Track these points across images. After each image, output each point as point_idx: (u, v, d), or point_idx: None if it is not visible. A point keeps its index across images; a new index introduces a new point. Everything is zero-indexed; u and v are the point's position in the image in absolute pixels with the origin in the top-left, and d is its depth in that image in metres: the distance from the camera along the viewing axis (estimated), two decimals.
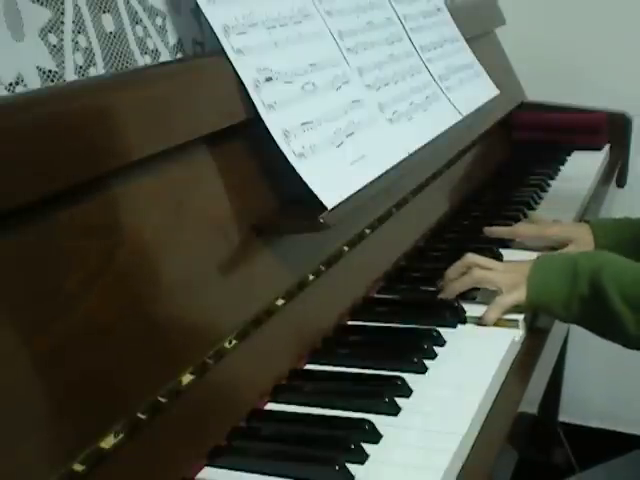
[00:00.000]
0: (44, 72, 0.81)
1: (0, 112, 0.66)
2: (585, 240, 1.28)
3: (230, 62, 0.91)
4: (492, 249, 1.26)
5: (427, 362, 0.94)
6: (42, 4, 0.81)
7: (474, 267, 1.10)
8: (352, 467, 0.75)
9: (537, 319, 1.09)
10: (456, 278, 1.11)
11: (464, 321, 1.06)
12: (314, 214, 0.92)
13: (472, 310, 1.08)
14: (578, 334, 2.08)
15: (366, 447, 0.77)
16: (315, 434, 0.81)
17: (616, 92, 2.01)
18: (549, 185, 1.67)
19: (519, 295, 1.05)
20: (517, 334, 1.01)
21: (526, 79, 2.03)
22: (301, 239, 0.98)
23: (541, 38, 2.11)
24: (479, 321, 1.05)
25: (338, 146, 1.02)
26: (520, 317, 1.04)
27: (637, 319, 0.98)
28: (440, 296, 1.11)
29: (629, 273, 1.01)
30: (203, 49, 1.06)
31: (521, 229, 1.33)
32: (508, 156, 1.85)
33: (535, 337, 1.06)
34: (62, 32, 0.84)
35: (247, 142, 0.94)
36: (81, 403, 0.67)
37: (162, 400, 0.73)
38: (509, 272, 1.08)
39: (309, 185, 0.93)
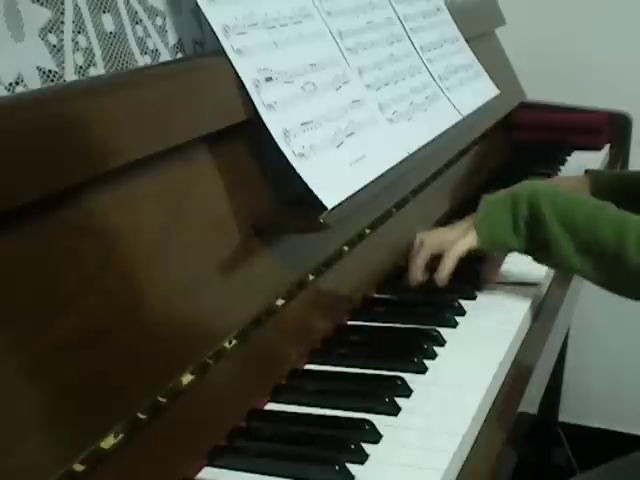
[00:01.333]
0: (44, 72, 0.81)
1: (0, 112, 0.66)
2: (578, 188, 1.35)
3: (230, 62, 0.91)
4: None
5: (427, 362, 0.94)
6: (42, 4, 0.81)
7: (424, 239, 1.12)
8: (352, 467, 0.75)
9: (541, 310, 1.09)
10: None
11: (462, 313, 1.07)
12: (314, 214, 0.92)
13: (472, 309, 1.08)
14: (578, 334, 2.10)
15: (366, 447, 0.77)
16: (315, 434, 0.81)
17: (616, 92, 2.01)
18: None
19: (470, 240, 1.08)
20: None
21: (526, 79, 2.03)
22: (301, 239, 0.98)
23: (541, 38, 2.11)
24: (435, 278, 1.09)
25: (338, 146, 1.02)
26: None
27: (569, 239, 1.02)
28: (409, 280, 1.12)
29: (561, 196, 1.06)
30: (203, 49, 1.06)
31: None
32: (508, 156, 1.85)
33: (535, 337, 1.06)
34: (62, 32, 0.84)
35: (247, 142, 0.94)
36: (81, 403, 0.67)
37: (162, 400, 0.73)
38: (455, 228, 1.12)
39: (309, 185, 0.93)
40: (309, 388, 0.90)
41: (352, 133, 1.06)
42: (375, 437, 0.80)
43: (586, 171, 1.44)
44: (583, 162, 1.82)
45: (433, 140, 1.25)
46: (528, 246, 1.07)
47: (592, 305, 1.80)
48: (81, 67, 0.86)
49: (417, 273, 1.12)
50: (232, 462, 0.78)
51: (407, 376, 0.90)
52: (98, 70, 0.88)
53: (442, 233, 1.13)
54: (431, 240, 1.12)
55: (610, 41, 2.06)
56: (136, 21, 0.94)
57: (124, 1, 0.93)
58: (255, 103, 0.91)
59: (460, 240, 1.09)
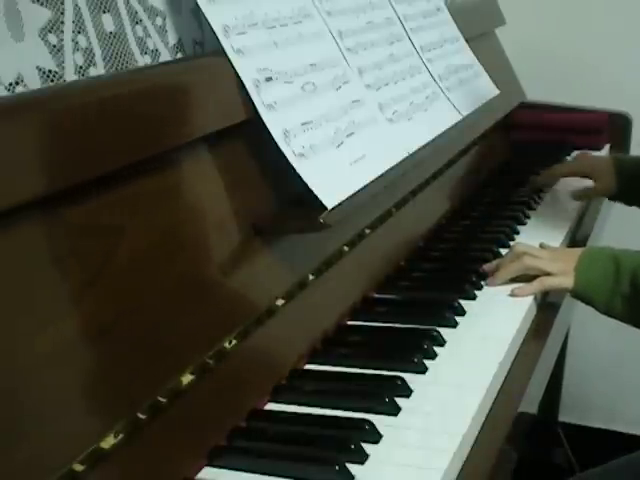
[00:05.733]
0: (44, 72, 0.81)
1: (0, 112, 0.66)
2: (605, 173, 1.47)
3: (230, 62, 0.91)
4: (492, 249, 1.27)
5: (427, 362, 0.94)
6: (42, 4, 0.81)
7: (523, 255, 1.13)
8: (352, 467, 0.75)
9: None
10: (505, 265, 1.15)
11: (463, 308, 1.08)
12: (314, 214, 0.92)
13: (472, 309, 1.08)
14: (578, 334, 2.10)
15: (366, 447, 0.77)
16: (315, 434, 0.81)
17: (616, 92, 2.01)
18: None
19: (567, 281, 1.10)
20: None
21: (526, 79, 2.03)
22: (301, 239, 0.98)
23: (541, 38, 2.11)
24: (518, 290, 1.11)
25: (338, 146, 1.02)
26: None
27: None
28: (490, 283, 1.15)
29: None
30: (203, 49, 1.06)
31: (557, 170, 1.61)
32: (508, 156, 1.85)
33: (535, 336, 1.06)
34: (62, 32, 0.84)
35: (247, 142, 0.94)
36: (81, 403, 0.67)
37: (162, 400, 0.73)
38: (557, 260, 1.13)
39: (309, 185, 0.93)
40: (309, 388, 0.90)
41: (352, 133, 1.06)
42: (375, 437, 0.80)
43: (610, 157, 1.52)
44: None
45: (433, 140, 1.25)
46: (617, 317, 1.11)
47: None
48: (81, 67, 0.86)
49: (500, 282, 1.14)
50: (232, 462, 0.77)
51: (407, 376, 0.90)
52: (98, 70, 0.88)
53: (542, 261, 1.13)
54: (529, 261, 1.13)
55: (610, 41, 2.05)
56: (136, 21, 0.94)
57: (124, 1, 0.92)
58: (255, 103, 0.91)
59: (556, 278, 1.11)
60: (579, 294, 1.11)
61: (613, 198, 1.55)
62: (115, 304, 0.72)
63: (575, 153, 1.77)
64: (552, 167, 1.63)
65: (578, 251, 1.14)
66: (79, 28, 0.86)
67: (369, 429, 0.80)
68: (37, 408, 0.63)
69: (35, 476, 0.61)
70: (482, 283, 1.16)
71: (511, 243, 1.31)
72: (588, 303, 1.12)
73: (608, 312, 1.10)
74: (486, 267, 1.18)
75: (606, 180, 1.49)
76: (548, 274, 1.12)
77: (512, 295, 1.12)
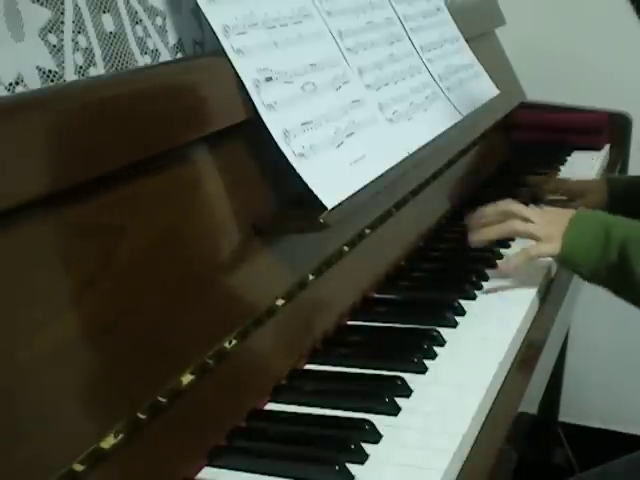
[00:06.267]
0: (44, 72, 0.81)
1: (0, 112, 0.67)
2: (596, 194, 1.41)
3: (230, 62, 0.91)
4: (492, 249, 1.26)
5: (427, 362, 0.94)
6: (42, 4, 0.81)
7: (512, 216, 1.12)
8: (352, 467, 0.75)
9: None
10: (490, 223, 1.13)
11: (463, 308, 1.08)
12: (314, 214, 0.92)
13: (472, 309, 1.08)
14: (578, 334, 2.10)
15: (366, 447, 0.77)
16: (315, 434, 0.81)
17: (616, 92, 2.01)
18: None
19: (553, 248, 1.09)
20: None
21: (526, 79, 2.03)
22: (301, 239, 0.98)
23: (541, 38, 2.11)
24: (501, 262, 1.11)
25: (338, 146, 1.02)
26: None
27: None
28: (471, 239, 1.14)
29: None
30: (203, 49, 1.06)
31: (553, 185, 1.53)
32: (508, 156, 1.85)
33: (535, 337, 1.06)
34: (62, 32, 0.84)
35: (247, 142, 0.94)
36: (81, 403, 0.67)
37: (162, 400, 0.73)
38: (547, 225, 1.11)
39: (309, 185, 0.93)
40: (309, 388, 0.90)
41: (352, 133, 1.06)
42: (375, 437, 0.80)
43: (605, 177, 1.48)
44: (583, 162, 1.82)
45: (433, 140, 1.25)
46: (599, 284, 1.09)
47: (592, 305, 1.80)
48: (81, 67, 0.86)
49: (484, 240, 1.13)
50: (232, 462, 0.77)
51: (407, 376, 0.90)
52: (98, 70, 0.88)
53: (532, 225, 1.11)
54: (518, 226, 1.11)
55: (610, 41, 2.05)
56: (136, 21, 0.94)
57: (124, 1, 0.92)
58: (255, 103, 0.91)
59: (543, 246, 1.10)
60: (565, 260, 1.10)
61: None
62: (115, 304, 0.72)
63: (573, 154, 1.77)
64: (552, 179, 1.60)
65: (569, 213, 1.11)
66: (79, 28, 0.86)
67: (369, 429, 0.80)
68: (37, 408, 0.63)
69: (35, 476, 0.61)
70: (482, 283, 1.16)
71: (511, 243, 1.31)
72: (573, 269, 1.11)
73: (592, 279, 1.09)
74: (469, 220, 1.16)
75: (597, 198, 1.44)
76: (536, 239, 1.10)
77: (497, 270, 1.11)
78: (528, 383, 0.96)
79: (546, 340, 1.07)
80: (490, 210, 1.15)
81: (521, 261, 1.11)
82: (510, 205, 1.14)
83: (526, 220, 1.12)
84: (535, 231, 1.11)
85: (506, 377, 0.94)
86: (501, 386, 0.92)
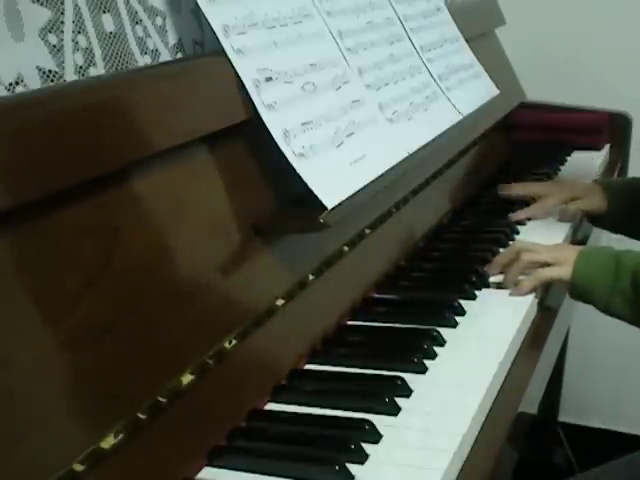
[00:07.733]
0: (44, 72, 0.81)
1: (0, 112, 0.67)
2: (594, 196, 1.41)
3: (230, 62, 0.91)
4: (492, 249, 1.26)
5: (427, 362, 0.94)
6: (42, 4, 0.81)
7: (520, 252, 1.13)
8: (352, 467, 0.75)
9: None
10: (506, 264, 1.15)
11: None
12: (314, 214, 0.92)
13: (472, 309, 1.08)
14: (578, 334, 2.10)
15: (366, 447, 0.77)
16: (315, 434, 0.81)
17: (616, 92, 2.01)
18: None
19: (564, 272, 1.09)
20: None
21: (526, 79, 2.03)
22: (301, 239, 0.98)
23: (541, 38, 2.11)
24: (511, 286, 1.11)
25: (338, 146, 1.02)
26: None
27: None
28: (493, 280, 1.15)
29: None
30: (203, 49, 1.06)
31: (533, 187, 1.50)
32: (508, 156, 1.85)
33: (535, 336, 1.06)
34: (62, 32, 0.84)
35: (247, 142, 0.94)
36: (81, 403, 0.67)
37: (162, 400, 0.73)
38: (556, 251, 1.13)
39: (309, 185, 0.93)
40: (309, 388, 0.90)
41: (352, 133, 1.06)
42: (375, 437, 0.80)
43: (594, 181, 1.47)
44: (583, 162, 1.82)
45: (433, 140, 1.25)
46: (615, 316, 1.10)
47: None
48: (81, 67, 0.86)
49: (509, 284, 1.13)
50: (232, 462, 0.77)
51: (407, 376, 0.90)
52: (98, 70, 0.88)
53: (540, 253, 1.13)
54: (528, 257, 1.13)
55: (610, 41, 2.05)
56: (136, 21, 0.94)
57: (124, 1, 0.92)
58: (255, 103, 0.91)
59: (553, 269, 1.11)
60: (578, 288, 1.10)
61: (598, 223, 1.49)
62: (115, 304, 0.72)
63: (573, 154, 1.77)
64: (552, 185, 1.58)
65: (578, 247, 1.13)
66: (79, 28, 0.86)
67: (369, 429, 0.80)
68: (37, 408, 0.63)
69: (35, 476, 0.61)
70: (482, 283, 1.16)
71: (511, 243, 1.31)
72: (587, 299, 1.11)
73: (607, 310, 1.10)
74: (488, 269, 1.18)
75: (596, 200, 1.44)
76: (546, 265, 1.11)
77: (511, 295, 1.11)
78: (528, 383, 0.96)
79: (546, 340, 1.07)
80: (504, 253, 1.18)
81: (532, 286, 1.11)
82: (519, 244, 1.17)
83: (532, 250, 1.14)
84: (543, 256, 1.12)
85: (506, 377, 0.94)
86: (501, 386, 0.92)
